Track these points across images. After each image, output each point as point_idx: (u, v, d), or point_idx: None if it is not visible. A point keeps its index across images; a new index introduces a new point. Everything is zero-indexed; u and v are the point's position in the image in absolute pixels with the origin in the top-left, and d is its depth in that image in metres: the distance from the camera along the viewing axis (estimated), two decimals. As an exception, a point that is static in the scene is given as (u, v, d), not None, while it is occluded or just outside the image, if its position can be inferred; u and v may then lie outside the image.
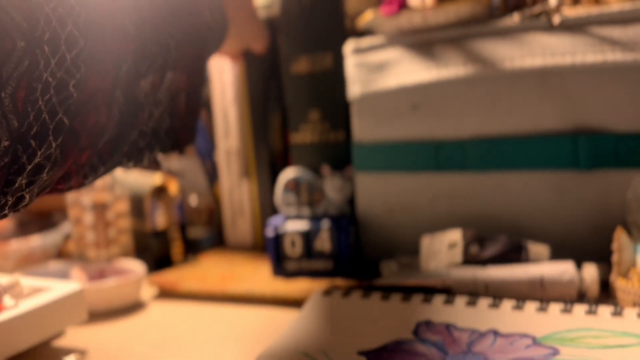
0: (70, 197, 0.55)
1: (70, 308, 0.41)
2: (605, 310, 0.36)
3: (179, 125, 0.39)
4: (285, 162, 0.61)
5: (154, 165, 0.41)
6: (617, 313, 0.35)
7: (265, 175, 0.61)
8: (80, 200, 0.55)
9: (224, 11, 0.44)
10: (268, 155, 0.61)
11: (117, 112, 0.32)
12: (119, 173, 0.58)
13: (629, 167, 0.43)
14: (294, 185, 0.53)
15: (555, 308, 0.37)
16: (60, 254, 0.61)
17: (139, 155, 0.37)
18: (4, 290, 0.38)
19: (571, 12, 0.44)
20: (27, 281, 0.42)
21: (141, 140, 0.36)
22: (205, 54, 0.41)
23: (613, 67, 0.42)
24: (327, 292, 0.43)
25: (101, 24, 0.30)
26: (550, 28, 0.44)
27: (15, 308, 0.38)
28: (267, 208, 0.61)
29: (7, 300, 0.39)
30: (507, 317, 0.37)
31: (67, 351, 0.39)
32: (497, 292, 0.40)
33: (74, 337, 0.42)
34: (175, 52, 0.37)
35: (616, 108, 0.43)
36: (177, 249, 0.61)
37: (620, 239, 0.40)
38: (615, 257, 0.40)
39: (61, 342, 0.41)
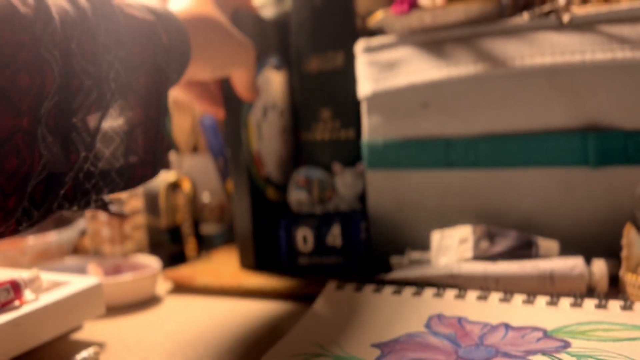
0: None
1: (89, 302, 0.41)
2: (615, 304, 0.36)
3: (135, 162, 0.36)
4: (261, 165, 0.56)
5: (103, 208, 0.37)
6: (627, 307, 0.36)
7: (243, 180, 0.53)
8: (96, 197, 0.56)
9: (184, 32, 0.40)
10: (243, 157, 0.53)
11: (46, 153, 0.30)
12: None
13: (637, 163, 0.43)
14: (306, 183, 0.54)
15: (565, 302, 0.37)
16: (76, 249, 0.62)
17: (85, 197, 0.33)
18: (25, 284, 0.39)
19: (580, 10, 0.44)
20: (46, 276, 0.43)
21: (87, 182, 0.33)
22: (163, 82, 0.37)
23: (622, 65, 0.43)
24: (340, 287, 0.44)
25: (12, 58, 0.27)
26: (559, 26, 0.44)
27: (35, 302, 0.39)
28: (245, 217, 0.54)
29: (28, 294, 0.40)
30: (518, 310, 0.37)
31: (85, 344, 0.40)
32: (507, 287, 0.41)
33: (91, 330, 0.43)
34: (119, 84, 0.33)
35: (625, 105, 0.44)
36: (190, 245, 0.62)
37: (630, 234, 0.40)
38: (624, 253, 0.40)
39: (79, 335, 0.42)
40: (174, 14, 0.40)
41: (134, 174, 0.36)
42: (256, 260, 0.54)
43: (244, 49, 0.48)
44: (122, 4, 0.35)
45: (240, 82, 0.50)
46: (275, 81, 0.56)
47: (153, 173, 0.38)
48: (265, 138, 0.55)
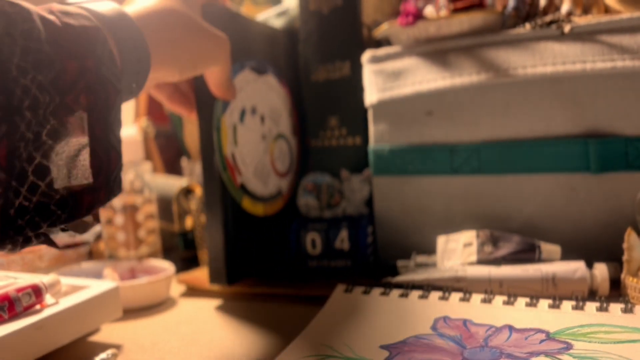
0: (101, 200, 0.58)
1: (107, 305, 0.43)
2: (616, 307, 0.37)
3: (81, 189, 0.31)
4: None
5: (50, 244, 0.32)
6: (628, 310, 0.37)
7: (215, 187, 0.48)
8: (112, 203, 0.57)
9: (140, 35, 0.36)
10: (216, 162, 0.48)
11: None
12: (148, 176, 0.61)
13: (638, 169, 0.44)
14: (314, 188, 0.55)
15: (567, 305, 0.39)
16: (91, 253, 0.63)
17: (19, 234, 0.29)
18: (45, 288, 0.41)
19: (581, 20, 0.45)
20: (65, 280, 0.45)
21: (19, 218, 0.29)
22: (111, 96, 0.33)
23: (622, 73, 0.44)
24: (348, 290, 0.45)
25: None
26: (561, 36, 0.45)
27: (56, 305, 0.40)
28: (216, 229, 0.49)
29: (49, 298, 0.41)
30: (522, 313, 0.38)
31: (103, 346, 0.41)
32: (511, 290, 0.42)
33: (108, 332, 0.45)
34: (42, 111, 0.29)
35: (625, 112, 0.45)
36: (202, 249, 0.63)
37: (630, 238, 0.41)
38: (625, 256, 0.41)
39: (97, 338, 0.44)
40: (126, 15, 0.36)
41: (80, 202, 0.31)
42: (228, 277, 0.49)
43: (217, 44, 0.43)
44: (55, 10, 0.31)
45: (214, 79, 0.45)
46: (256, 85, 0.53)
47: (106, 197, 0.33)
48: (242, 143, 0.50)
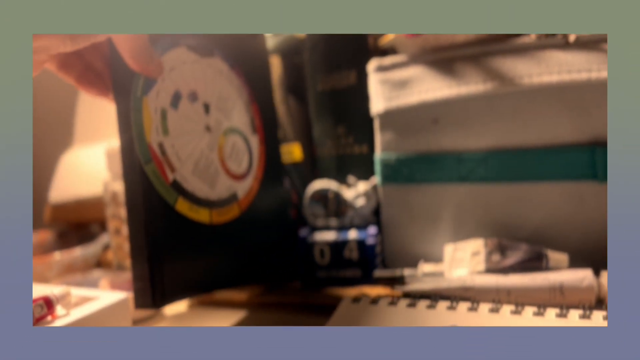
0: (110, 210, 0.58)
1: (116, 316, 0.43)
2: (623, 316, 0.38)
3: None
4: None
5: None
6: (636, 319, 0.37)
7: (136, 182, 0.40)
8: (120, 213, 0.58)
9: None
10: (137, 151, 0.40)
11: None
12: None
13: (645, 177, 0.44)
14: (321, 197, 0.56)
15: (574, 314, 0.39)
16: (100, 263, 0.64)
17: None
18: (56, 300, 0.41)
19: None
20: (76, 291, 0.45)
21: None
22: None
23: (628, 82, 0.44)
24: (356, 300, 0.45)
25: None
26: (566, 45, 0.46)
27: (66, 317, 0.41)
28: (137, 236, 0.40)
29: (59, 309, 0.41)
30: (529, 323, 0.38)
31: (114, 356, 0.42)
32: (519, 299, 0.42)
33: (119, 343, 0.45)
34: None
35: (632, 121, 0.45)
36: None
37: (638, 247, 0.41)
38: (633, 265, 0.41)
39: (107, 348, 0.44)
40: None
41: None
42: (154, 296, 0.40)
43: None
44: None
45: (126, 46, 0.37)
46: (196, 67, 0.45)
47: None
48: (175, 133, 0.42)
